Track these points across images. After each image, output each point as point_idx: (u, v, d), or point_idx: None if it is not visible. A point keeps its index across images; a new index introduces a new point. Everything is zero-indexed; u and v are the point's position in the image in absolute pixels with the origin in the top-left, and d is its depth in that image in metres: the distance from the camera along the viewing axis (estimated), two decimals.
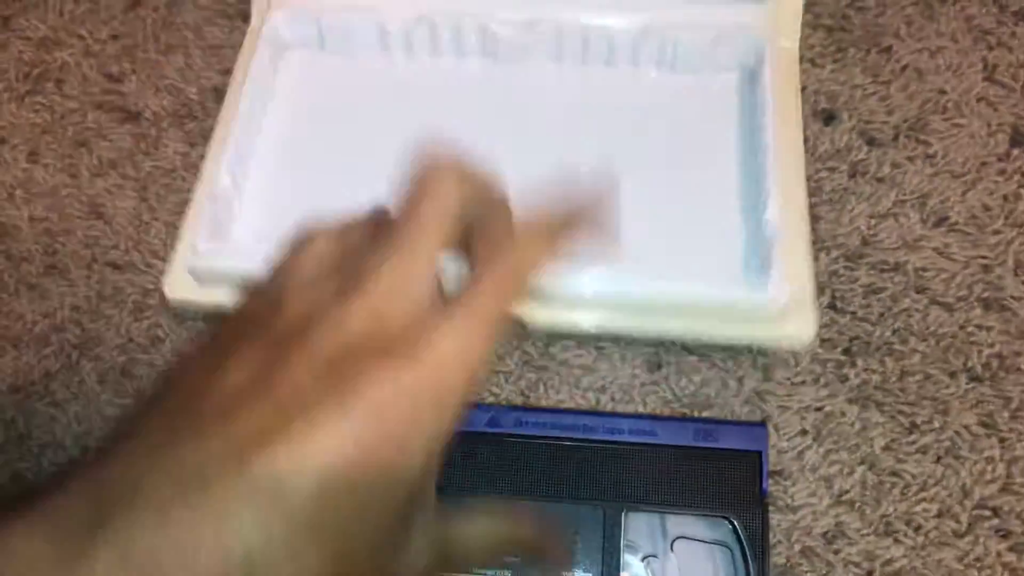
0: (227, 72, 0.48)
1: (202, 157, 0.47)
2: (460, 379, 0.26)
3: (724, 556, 0.39)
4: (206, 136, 0.47)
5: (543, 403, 0.42)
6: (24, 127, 0.49)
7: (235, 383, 0.25)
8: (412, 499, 0.26)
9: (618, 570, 0.39)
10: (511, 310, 0.28)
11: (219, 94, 0.48)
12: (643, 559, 0.39)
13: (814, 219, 0.45)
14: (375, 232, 0.29)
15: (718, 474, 0.39)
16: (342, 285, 0.27)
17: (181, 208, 0.46)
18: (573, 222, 0.30)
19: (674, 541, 0.39)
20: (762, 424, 0.42)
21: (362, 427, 0.24)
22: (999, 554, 0.40)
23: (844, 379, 0.43)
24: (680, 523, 0.39)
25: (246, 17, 0.49)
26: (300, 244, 0.30)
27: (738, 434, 0.40)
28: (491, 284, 0.28)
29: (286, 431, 0.23)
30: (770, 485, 0.41)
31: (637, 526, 0.39)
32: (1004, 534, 0.40)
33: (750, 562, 0.38)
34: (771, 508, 0.41)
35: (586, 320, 0.41)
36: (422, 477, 0.25)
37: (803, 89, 0.47)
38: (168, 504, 0.22)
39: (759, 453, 0.40)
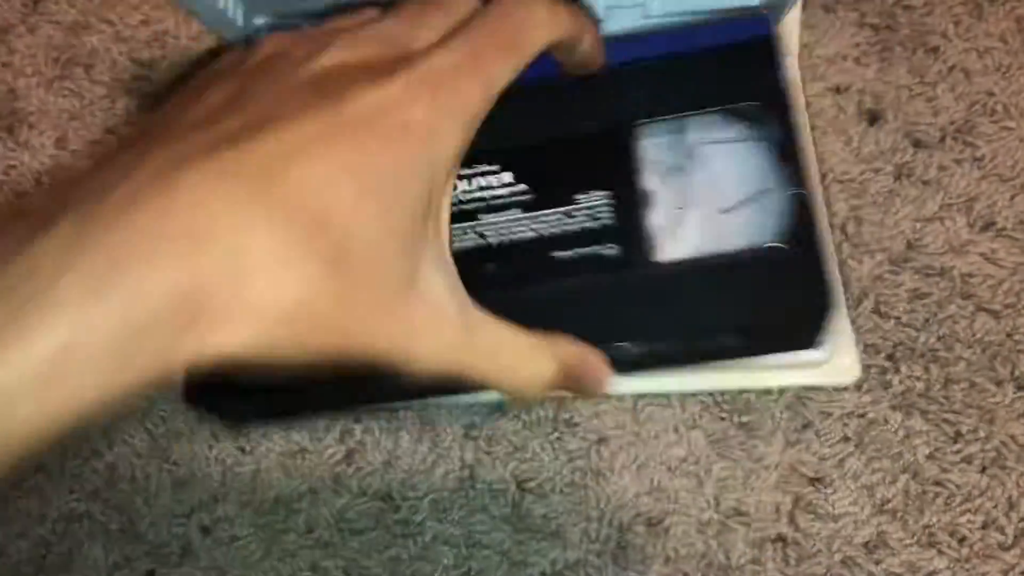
0: None
1: None
2: (459, 102, 0.25)
3: (753, 152, 0.36)
4: None
5: None
6: (52, 113, 0.48)
7: (210, 104, 0.24)
8: (418, 216, 0.24)
9: (633, 191, 0.35)
10: (515, 48, 0.26)
11: None
12: (664, 175, 0.36)
13: (857, 222, 0.44)
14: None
15: (728, 66, 0.35)
16: (324, 32, 0.27)
17: None
18: None
19: (695, 149, 0.36)
20: (762, 16, 0.37)
21: (347, 130, 0.22)
22: None
23: (887, 385, 0.42)
24: (698, 127, 0.36)
25: None
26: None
27: (739, 27, 0.36)
28: (493, 18, 0.26)
29: (267, 127, 0.22)
30: (810, 493, 0.40)
31: (653, 143, 0.36)
32: None
33: (785, 145, 0.35)
34: (811, 516, 0.40)
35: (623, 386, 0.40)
36: (423, 191, 0.24)
37: (847, 88, 0.46)
38: (135, 192, 0.20)
39: (766, 37, 0.36)
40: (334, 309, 0.22)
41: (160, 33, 0.49)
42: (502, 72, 0.25)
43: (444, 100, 0.24)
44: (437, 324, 0.25)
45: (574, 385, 0.30)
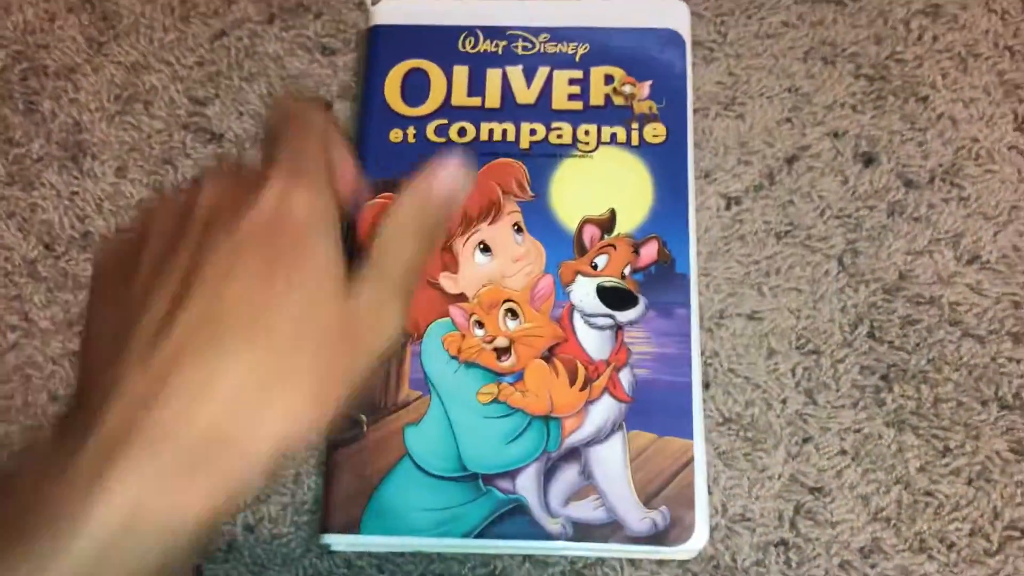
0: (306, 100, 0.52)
1: None
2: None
3: None
4: None
5: None
6: (113, 144, 0.52)
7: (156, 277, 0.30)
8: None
9: None
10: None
11: None
12: None
13: (853, 254, 0.48)
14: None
15: None
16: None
17: None
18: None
19: None
20: None
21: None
22: None
23: (881, 403, 0.45)
24: None
25: (324, 50, 0.53)
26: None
27: None
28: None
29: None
30: (810, 501, 0.44)
31: None
32: None
33: None
34: (811, 523, 0.44)
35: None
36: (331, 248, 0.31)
37: (844, 133, 0.50)
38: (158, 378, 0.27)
39: None
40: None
41: (214, 74, 0.53)
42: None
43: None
44: None
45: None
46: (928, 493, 0.44)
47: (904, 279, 0.47)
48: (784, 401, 0.46)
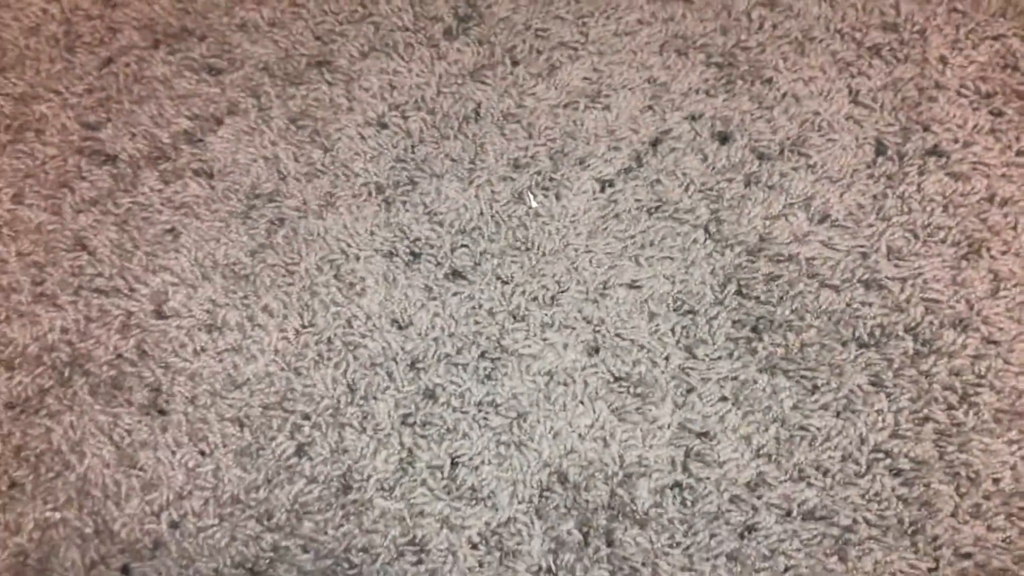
0: (196, 117, 0.54)
1: (177, 192, 0.52)
2: None
3: None
4: (179, 174, 0.53)
5: None
6: (8, 172, 0.53)
7: None
8: None
9: None
10: None
11: (189, 137, 0.53)
12: None
13: (717, 222, 0.53)
14: None
15: None
16: None
17: (160, 238, 0.51)
18: None
19: None
20: None
21: None
22: (893, 488, 0.47)
23: (754, 352, 0.50)
24: None
25: (211, 70, 0.55)
26: None
27: None
28: None
29: None
30: (698, 445, 0.48)
31: None
32: (896, 472, 0.48)
33: None
34: (701, 464, 0.48)
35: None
36: None
37: (701, 116, 0.55)
38: None
39: None
40: None
41: (104, 99, 0.55)
42: None
43: None
44: None
45: None
46: (802, 428, 0.49)
47: (764, 241, 0.52)
48: (667, 358, 0.50)
